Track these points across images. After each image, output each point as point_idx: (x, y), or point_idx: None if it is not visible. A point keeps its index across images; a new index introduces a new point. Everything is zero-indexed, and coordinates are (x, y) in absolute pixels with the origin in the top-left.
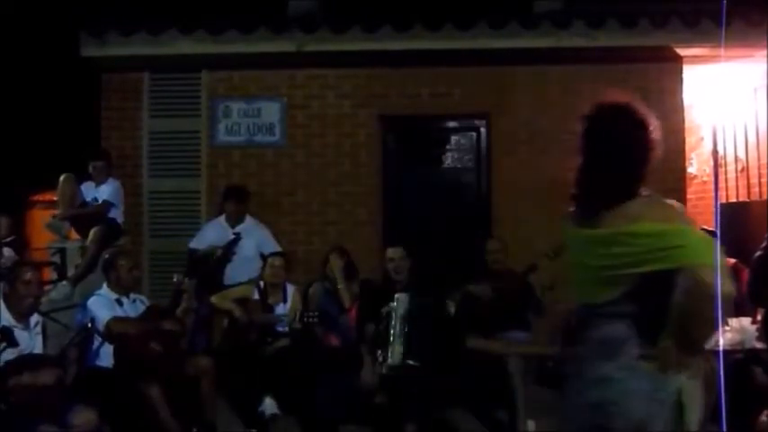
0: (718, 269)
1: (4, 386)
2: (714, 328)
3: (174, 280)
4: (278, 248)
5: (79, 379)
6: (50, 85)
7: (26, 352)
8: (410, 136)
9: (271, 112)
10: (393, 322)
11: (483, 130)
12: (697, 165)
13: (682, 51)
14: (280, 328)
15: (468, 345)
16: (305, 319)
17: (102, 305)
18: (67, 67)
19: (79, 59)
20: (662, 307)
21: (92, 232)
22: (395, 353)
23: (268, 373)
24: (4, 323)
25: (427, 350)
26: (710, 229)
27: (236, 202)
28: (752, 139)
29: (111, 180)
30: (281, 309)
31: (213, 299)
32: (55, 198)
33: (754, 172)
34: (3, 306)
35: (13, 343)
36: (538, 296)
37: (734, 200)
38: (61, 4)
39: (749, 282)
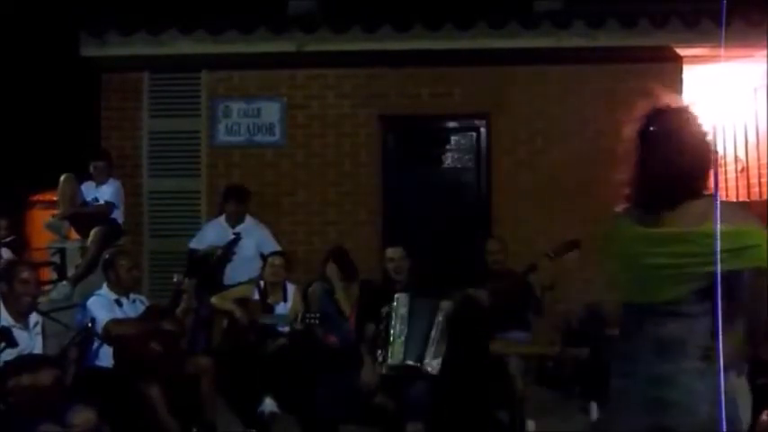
0: None
1: (3, 387)
2: None
3: (174, 280)
4: (278, 248)
5: (79, 379)
6: (50, 85)
7: (26, 352)
8: (410, 136)
9: (271, 112)
10: (393, 322)
11: (483, 130)
12: None
13: (682, 51)
14: (280, 328)
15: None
16: (306, 321)
17: (102, 306)
18: (67, 67)
19: (79, 59)
20: (727, 307)
21: (92, 232)
22: (395, 353)
23: (268, 372)
24: (3, 323)
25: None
26: None
27: (236, 202)
28: (752, 139)
29: (111, 180)
30: (281, 308)
31: (213, 299)
32: (55, 198)
33: (754, 172)
34: (1, 306)
35: (12, 343)
36: (538, 296)
37: (734, 200)
38: (61, 4)
39: None
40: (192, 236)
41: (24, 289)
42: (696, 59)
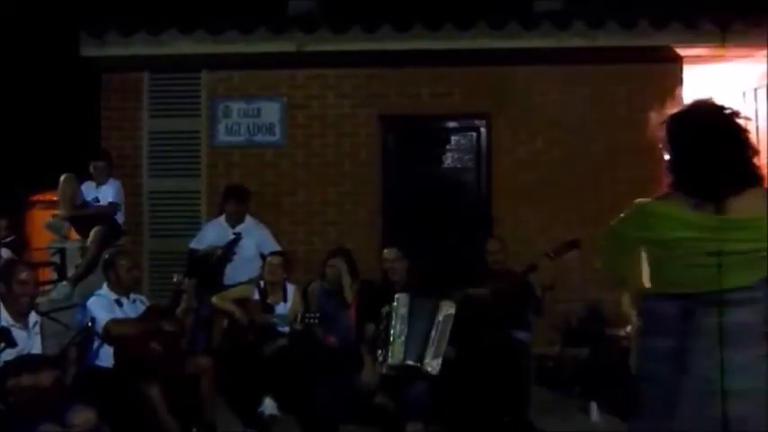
0: None
1: (3, 387)
2: None
3: (174, 280)
4: (278, 248)
5: (79, 379)
6: (50, 85)
7: (25, 352)
8: (410, 136)
9: (271, 112)
10: (393, 322)
11: (483, 130)
12: None
13: (682, 51)
14: (280, 328)
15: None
16: (306, 320)
17: (102, 306)
18: (67, 67)
19: (79, 59)
20: None
21: (92, 232)
22: (395, 353)
23: (268, 373)
24: (3, 323)
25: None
26: None
27: (236, 202)
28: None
29: (111, 180)
30: (281, 308)
31: (213, 299)
32: (55, 198)
33: None
34: (1, 306)
35: (11, 343)
36: (538, 296)
37: None
38: (61, 4)
39: None
40: (192, 236)
41: (23, 289)
42: (696, 59)
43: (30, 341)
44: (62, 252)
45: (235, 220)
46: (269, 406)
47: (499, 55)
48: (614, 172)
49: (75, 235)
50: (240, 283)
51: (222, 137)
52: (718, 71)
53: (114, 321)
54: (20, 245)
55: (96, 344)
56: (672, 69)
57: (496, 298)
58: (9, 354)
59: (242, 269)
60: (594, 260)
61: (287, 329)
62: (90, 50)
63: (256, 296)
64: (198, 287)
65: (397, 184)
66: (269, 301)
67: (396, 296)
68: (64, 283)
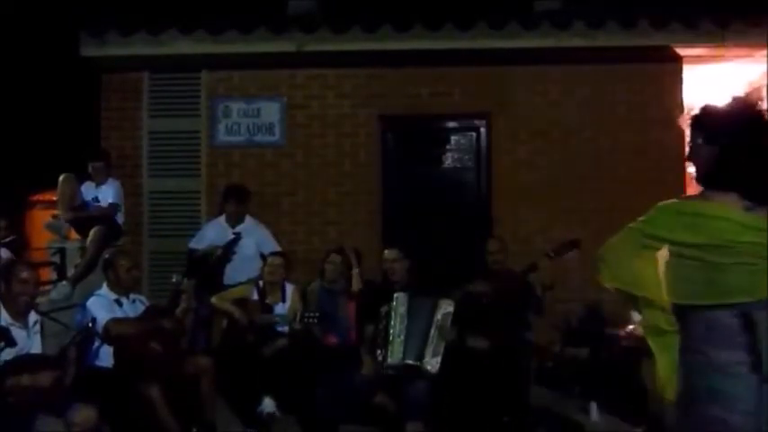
0: None
1: (2, 386)
2: None
3: (173, 280)
4: (278, 248)
5: (79, 379)
6: (50, 86)
7: (24, 351)
8: (410, 136)
9: (271, 112)
10: (392, 321)
11: (483, 129)
12: None
13: (682, 51)
14: (279, 328)
15: (469, 344)
16: (305, 320)
17: (102, 306)
18: (67, 67)
19: (79, 59)
20: None
21: (92, 232)
22: (394, 352)
23: (267, 372)
24: (2, 322)
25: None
26: None
27: (236, 202)
28: None
29: (111, 180)
30: (280, 308)
31: (213, 299)
32: (55, 198)
33: None
34: (0, 306)
35: (10, 342)
36: (538, 296)
37: None
38: (61, 4)
39: None
40: (192, 236)
41: (23, 288)
42: (696, 59)
43: (29, 341)
44: (62, 252)
45: (235, 220)
46: (268, 405)
47: (499, 55)
48: (614, 172)
49: (75, 235)
50: (240, 283)
51: (222, 137)
52: (718, 71)
53: (114, 321)
54: (20, 245)
55: (96, 343)
56: (672, 69)
57: (496, 298)
58: (8, 353)
59: (242, 269)
60: (599, 276)
61: (286, 329)
62: (90, 50)
63: (255, 296)
64: (197, 287)
65: (397, 184)
66: (268, 301)
67: (395, 295)
68: (64, 283)
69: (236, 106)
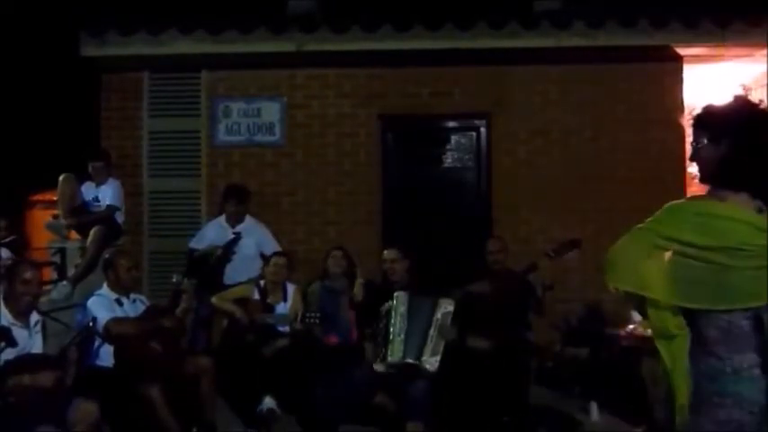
0: None
1: (3, 386)
2: None
3: (173, 280)
4: (278, 248)
5: (79, 378)
6: (50, 85)
7: (25, 351)
8: (410, 136)
9: (271, 111)
10: (393, 320)
11: (483, 129)
12: None
13: (682, 51)
14: (280, 328)
15: (469, 344)
16: (306, 320)
17: (102, 305)
18: (67, 67)
19: (79, 59)
20: None
21: (92, 232)
22: (394, 351)
23: (268, 372)
24: (3, 322)
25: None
26: None
27: (236, 201)
28: None
29: (111, 180)
30: (281, 308)
31: (213, 299)
32: (55, 198)
33: None
34: (2, 305)
35: (12, 342)
36: (538, 296)
37: None
38: (61, 4)
39: None
40: (192, 236)
41: (26, 288)
42: (696, 59)
43: (30, 341)
44: (62, 252)
45: (235, 220)
46: (269, 405)
47: (499, 55)
48: (614, 172)
49: (75, 235)
50: (240, 283)
51: (222, 137)
52: (718, 70)
53: (114, 320)
54: (20, 245)
55: (97, 343)
56: (672, 69)
57: (497, 297)
58: (9, 353)
59: (242, 269)
60: (605, 278)
61: (287, 329)
62: (90, 50)
63: (256, 296)
64: (198, 287)
65: (397, 184)
66: (269, 300)
67: (395, 294)
68: (64, 282)
69: (236, 106)
